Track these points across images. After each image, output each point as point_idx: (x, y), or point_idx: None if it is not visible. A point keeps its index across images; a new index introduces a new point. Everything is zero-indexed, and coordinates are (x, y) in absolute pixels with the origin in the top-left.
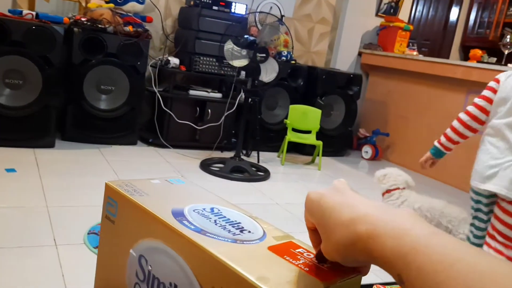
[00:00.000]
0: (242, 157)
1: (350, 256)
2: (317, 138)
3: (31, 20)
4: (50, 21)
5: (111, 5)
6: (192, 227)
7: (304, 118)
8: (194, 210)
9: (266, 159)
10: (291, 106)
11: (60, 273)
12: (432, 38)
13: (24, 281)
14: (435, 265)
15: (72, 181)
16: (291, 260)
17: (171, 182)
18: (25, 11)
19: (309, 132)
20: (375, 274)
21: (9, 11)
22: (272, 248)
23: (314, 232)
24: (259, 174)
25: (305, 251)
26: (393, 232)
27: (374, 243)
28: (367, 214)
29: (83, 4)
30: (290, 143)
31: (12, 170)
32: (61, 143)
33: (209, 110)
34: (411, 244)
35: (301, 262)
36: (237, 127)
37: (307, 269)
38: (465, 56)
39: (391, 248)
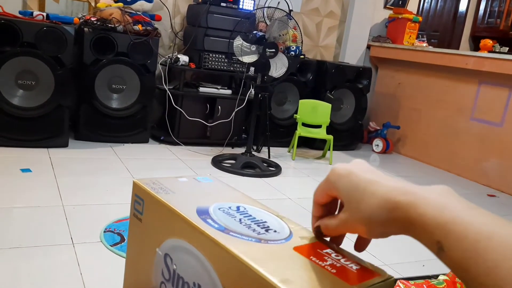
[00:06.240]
0: (253, 152)
1: (381, 226)
2: (327, 132)
3: (42, 21)
4: (60, 21)
5: (120, 4)
6: (216, 225)
7: (314, 113)
8: (219, 209)
9: (277, 154)
10: (301, 101)
11: (78, 272)
12: (442, 29)
13: (43, 280)
14: (474, 235)
15: (86, 180)
16: (317, 261)
17: (198, 180)
18: (35, 12)
19: (319, 126)
20: (395, 270)
21: (20, 12)
22: (298, 249)
23: (321, 207)
24: (270, 169)
25: (333, 252)
26: (433, 202)
27: (414, 212)
28: (406, 187)
29: (93, 4)
30: (300, 137)
31: (28, 170)
32: (75, 143)
33: (219, 107)
34: (451, 214)
35: (328, 263)
36: (248, 123)
37: (334, 271)
38: (475, 47)
39: (431, 217)
